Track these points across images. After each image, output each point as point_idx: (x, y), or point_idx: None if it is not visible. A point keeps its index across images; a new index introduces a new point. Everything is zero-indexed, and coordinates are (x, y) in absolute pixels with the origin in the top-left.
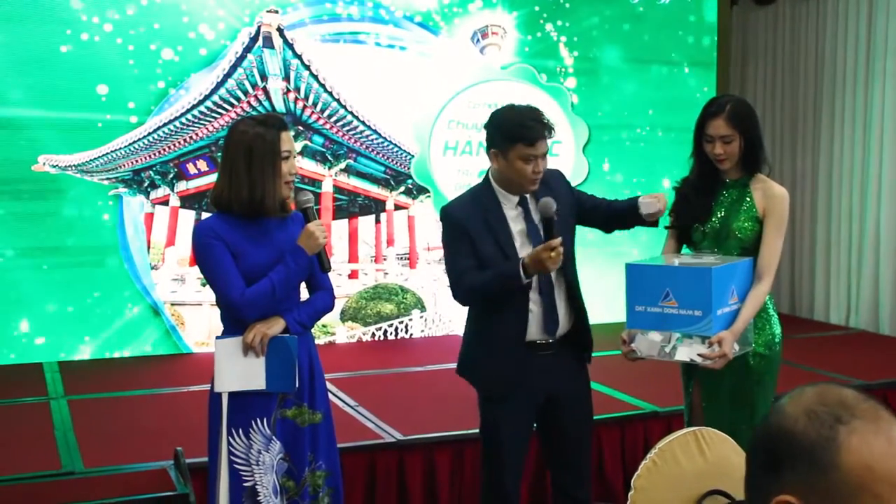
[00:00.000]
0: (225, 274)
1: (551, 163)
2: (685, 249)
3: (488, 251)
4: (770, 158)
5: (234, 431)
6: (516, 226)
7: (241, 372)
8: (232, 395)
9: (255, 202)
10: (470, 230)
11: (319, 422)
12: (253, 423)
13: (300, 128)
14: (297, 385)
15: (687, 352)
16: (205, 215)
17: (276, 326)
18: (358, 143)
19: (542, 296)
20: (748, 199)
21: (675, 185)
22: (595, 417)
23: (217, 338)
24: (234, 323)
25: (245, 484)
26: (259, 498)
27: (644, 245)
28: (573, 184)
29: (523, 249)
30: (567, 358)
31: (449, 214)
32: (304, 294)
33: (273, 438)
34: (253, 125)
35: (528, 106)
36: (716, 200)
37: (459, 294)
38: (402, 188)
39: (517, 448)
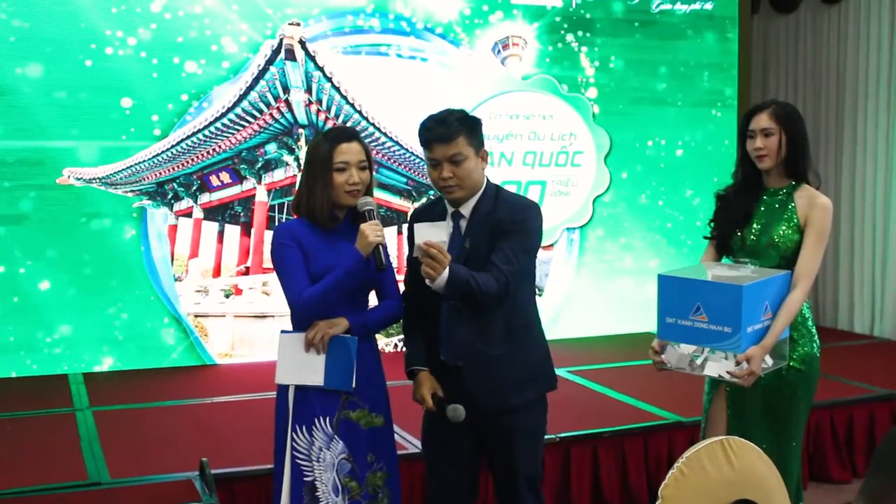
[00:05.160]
0: (290, 274)
1: (573, 173)
2: (725, 259)
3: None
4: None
5: (297, 428)
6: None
7: (301, 367)
8: (298, 392)
9: (310, 208)
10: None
11: (380, 425)
12: (316, 420)
13: None
14: (353, 385)
15: (716, 367)
16: (229, 227)
17: (339, 326)
18: (380, 155)
19: (440, 318)
20: (791, 207)
21: (716, 192)
22: (619, 428)
23: (282, 331)
24: (301, 320)
25: (305, 479)
26: (318, 493)
27: (675, 257)
28: (595, 195)
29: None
30: (488, 390)
31: (410, 215)
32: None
33: (335, 437)
34: (318, 136)
35: (448, 109)
36: (756, 208)
37: None
38: (424, 199)
39: (451, 470)
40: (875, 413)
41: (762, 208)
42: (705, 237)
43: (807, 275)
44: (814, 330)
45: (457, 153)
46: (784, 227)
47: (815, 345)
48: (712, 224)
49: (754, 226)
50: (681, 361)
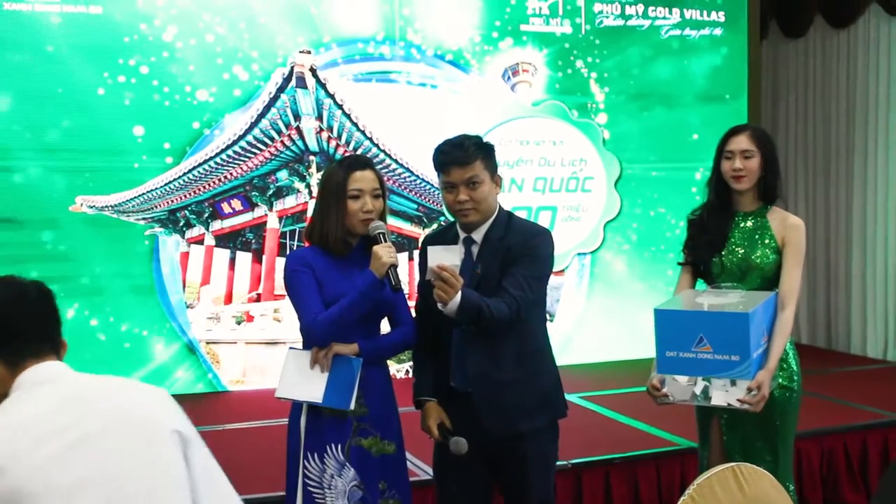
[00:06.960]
0: (304, 298)
1: (584, 198)
2: (700, 284)
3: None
4: (786, 192)
5: (309, 455)
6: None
7: (303, 382)
8: (310, 418)
9: (323, 235)
10: (426, 259)
11: (392, 452)
12: (327, 448)
13: None
14: (352, 406)
15: (723, 396)
16: (240, 254)
17: (348, 347)
18: (390, 181)
19: (452, 342)
20: (767, 229)
21: (688, 217)
22: (631, 454)
23: (290, 347)
24: (314, 345)
25: None
26: None
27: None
28: (605, 220)
29: None
30: (498, 416)
31: (422, 240)
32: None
33: (346, 465)
34: (333, 164)
35: (464, 134)
36: (731, 231)
37: None
38: (435, 225)
39: (463, 496)
40: (889, 438)
41: (737, 231)
42: (679, 263)
43: (793, 293)
44: (791, 347)
45: (473, 176)
46: (764, 250)
47: (796, 362)
48: (685, 250)
49: (732, 250)
50: (683, 393)
